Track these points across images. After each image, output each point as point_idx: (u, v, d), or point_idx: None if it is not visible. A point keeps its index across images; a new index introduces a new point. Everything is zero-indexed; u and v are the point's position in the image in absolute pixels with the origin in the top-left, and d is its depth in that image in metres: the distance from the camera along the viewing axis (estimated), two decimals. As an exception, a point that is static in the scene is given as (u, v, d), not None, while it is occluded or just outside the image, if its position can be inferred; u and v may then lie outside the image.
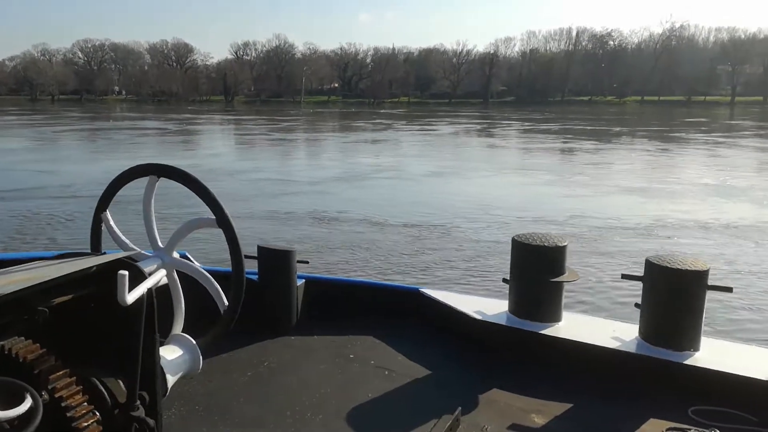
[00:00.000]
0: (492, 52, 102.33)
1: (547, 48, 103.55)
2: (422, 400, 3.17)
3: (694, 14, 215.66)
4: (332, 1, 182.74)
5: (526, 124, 47.28)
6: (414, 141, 34.22)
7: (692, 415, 2.97)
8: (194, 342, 2.48)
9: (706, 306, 3.32)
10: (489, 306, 3.91)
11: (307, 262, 4.21)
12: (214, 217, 2.58)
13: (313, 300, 4.16)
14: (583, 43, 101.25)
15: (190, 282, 2.86)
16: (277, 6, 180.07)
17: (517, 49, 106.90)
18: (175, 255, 2.80)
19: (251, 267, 3.90)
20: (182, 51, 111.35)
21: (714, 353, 3.31)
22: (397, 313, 4.09)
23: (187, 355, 2.46)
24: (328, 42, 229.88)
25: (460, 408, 2.87)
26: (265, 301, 3.92)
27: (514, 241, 3.76)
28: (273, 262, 3.95)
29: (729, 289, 3.61)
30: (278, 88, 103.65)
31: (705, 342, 3.35)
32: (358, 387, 3.23)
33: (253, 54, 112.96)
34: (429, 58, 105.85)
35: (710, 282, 3.31)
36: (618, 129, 41.79)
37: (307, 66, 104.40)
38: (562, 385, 3.27)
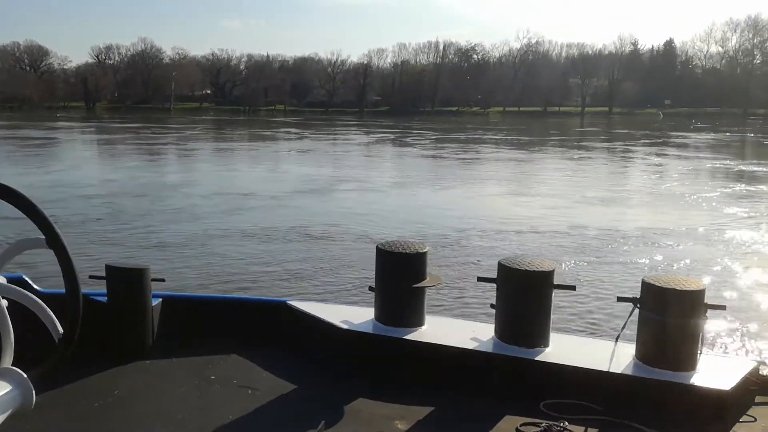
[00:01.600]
0: (365, 62, 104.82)
1: (417, 60, 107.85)
2: (286, 417, 3.11)
3: (548, 31, 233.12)
4: (198, 5, 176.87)
5: (436, 133, 48.62)
6: (343, 151, 33.98)
7: (544, 409, 3.06)
8: (24, 375, 2.18)
9: (553, 303, 3.48)
10: (356, 315, 3.88)
11: (163, 280, 4.00)
12: (43, 237, 2.25)
13: (171, 320, 3.91)
14: (450, 56, 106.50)
15: (27, 308, 2.62)
16: (141, 9, 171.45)
17: (389, 60, 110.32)
18: (1, 279, 2.52)
19: (101, 288, 3.75)
20: (36, 54, 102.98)
21: (562, 348, 3.45)
22: (263, 327, 3.93)
23: (16, 390, 2.13)
24: (199, 47, 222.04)
25: (323, 422, 2.89)
26: (115, 323, 3.69)
27: (378, 249, 3.76)
28: (123, 282, 3.71)
29: (572, 287, 3.84)
30: (145, 93, 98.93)
31: (554, 338, 3.50)
32: (219, 409, 3.10)
33: (117, 58, 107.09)
34: (304, 66, 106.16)
35: (556, 282, 3.45)
36: (528, 138, 43.91)
37: (177, 71, 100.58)
38: (425, 389, 3.32)
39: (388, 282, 3.75)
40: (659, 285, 3.19)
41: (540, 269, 3.41)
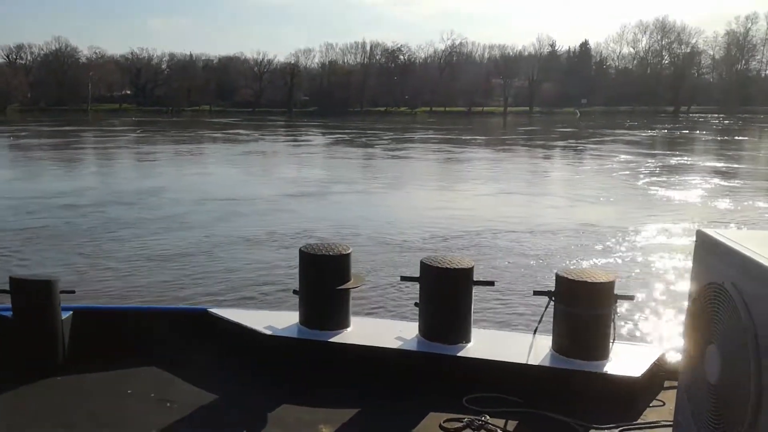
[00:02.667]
0: (293, 62, 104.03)
1: (345, 60, 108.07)
2: (206, 428, 3.02)
3: (471, 32, 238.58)
4: (117, 4, 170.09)
5: (391, 133, 48.72)
6: (309, 153, 33.37)
7: (466, 404, 3.12)
8: None
9: (474, 299, 3.54)
10: (281, 320, 3.80)
11: (74, 292, 3.83)
12: None
13: (83, 333, 3.73)
14: (377, 57, 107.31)
15: None
16: (56, 8, 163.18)
17: (317, 60, 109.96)
18: None
19: (4, 302, 3.60)
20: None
21: (483, 344, 3.53)
22: (184, 337, 3.81)
23: None
24: (118, 47, 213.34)
25: (245, 431, 2.86)
26: (22, 339, 3.51)
27: (300, 252, 3.68)
28: (30, 295, 3.52)
29: (491, 283, 3.89)
30: (60, 95, 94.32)
31: (476, 334, 3.56)
32: (135, 425, 2.98)
33: (29, 58, 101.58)
34: (230, 66, 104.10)
35: (476, 278, 3.51)
36: (469, 137, 44.77)
37: (94, 71, 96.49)
38: (351, 391, 3.31)
39: (311, 285, 3.69)
40: (571, 278, 3.30)
41: (459, 266, 3.46)
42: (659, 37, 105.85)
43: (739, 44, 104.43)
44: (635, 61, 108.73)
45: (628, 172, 23.91)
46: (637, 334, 7.04)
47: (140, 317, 4.06)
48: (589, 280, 3.29)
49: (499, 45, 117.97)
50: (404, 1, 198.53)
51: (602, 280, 3.30)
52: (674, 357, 3.49)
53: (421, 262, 3.60)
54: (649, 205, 16.65)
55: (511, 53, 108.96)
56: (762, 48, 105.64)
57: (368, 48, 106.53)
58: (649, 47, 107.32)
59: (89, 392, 3.35)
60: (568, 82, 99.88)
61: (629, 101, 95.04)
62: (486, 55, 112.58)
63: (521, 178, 23.35)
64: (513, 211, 15.42)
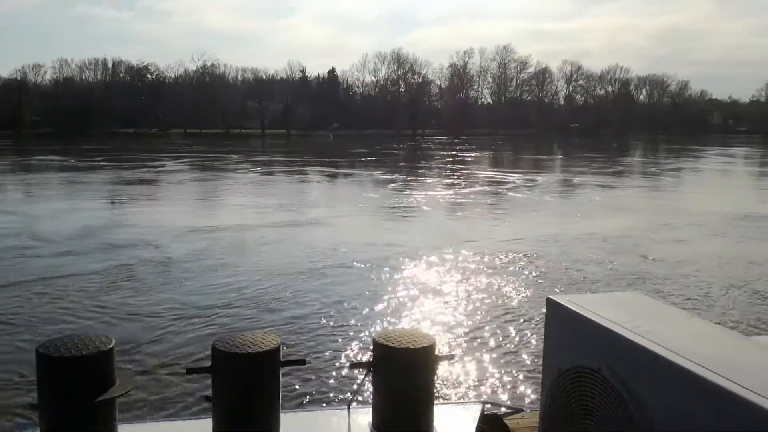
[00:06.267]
0: (19, 78, 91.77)
1: (84, 77, 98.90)
2: None
3: (222, 53, 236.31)
4: None
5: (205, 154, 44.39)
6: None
7: None
8: None
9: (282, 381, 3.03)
10: None
11: None
12: None
13: None
14: (121, 75, 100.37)
15: None
16: None
17: (48, 77, 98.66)
18: None
19: None
20: None
21: (294, 428, 3.17)
22: None
23: None
24: None
25: None
26: None
27: (38, 353, 2.67)
28: None
29: (303, 362, 3.45)
30: None
31: (285, 418, 3.06)
32: None
33: None
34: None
35: (284, 358, 3.01)
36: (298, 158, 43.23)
37: None
38: None
39: (56, 399, 2.69)
40: (391, 345, 2.98)
41: (264, 348, 2.86)
42: (396, 68, 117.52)
43: (460, 75, 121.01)
44: (377, 89, 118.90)
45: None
46: (459, 393, 6.28)
47: None
48: (410, 346, 2.97)
49: (252, 68, 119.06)
50: (148, 17, 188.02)
51: (423, 344, 2.99)
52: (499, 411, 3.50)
53: (213, 347, 2.88)
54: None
55: (264, 77, 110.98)
56: (478, 79, 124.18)
57: (110, 65, 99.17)
58: (388, 76, 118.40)
59: None
60: (319, 106, 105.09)
61: (375, 125, 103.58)
62: (239, 77, 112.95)
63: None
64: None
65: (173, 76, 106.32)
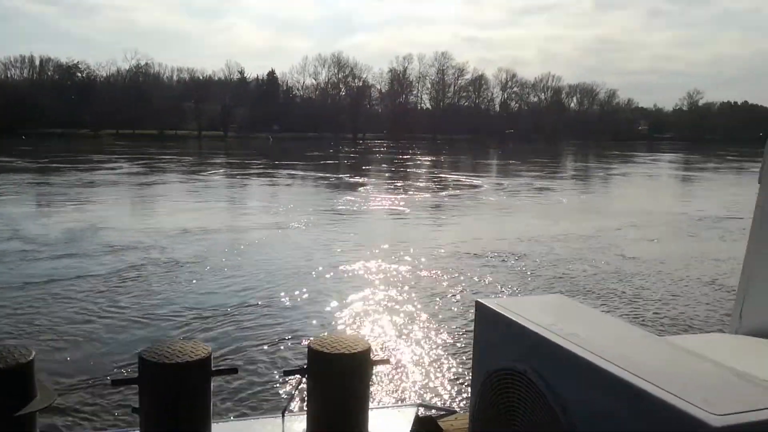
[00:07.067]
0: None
1: (9, 75, 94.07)
2: None
3: (156, 52, 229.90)
4: None
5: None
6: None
7: None
8: None
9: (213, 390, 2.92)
10: None
11: None
12: None
13: None
14: (50, 73, 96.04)
15: None
16: None
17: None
18: None
19: None
20: None
21: None
22: None
23: None
24: None
25: None
26: None
27: None
28: None
29: (234, 371, 3.33)
30: None
31: (216, 428, 3.00)
32: None
33: None
34: None
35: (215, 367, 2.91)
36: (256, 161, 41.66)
37: None
38: None
39: None
40: (326, 351, 2.95)
41: (195, 358, 2.77)
42: (336, 71, 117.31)
43: (399, 80, 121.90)
44: (317, 92, 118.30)
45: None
46: (394, 396, 6.30)
47: None
48: (346, 351, 2.96)
49: (188, 68, 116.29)
50: (76, 14, 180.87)
51: (358, 349, 2.99)
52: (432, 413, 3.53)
53: (140, 357, 2.78)
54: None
55: (201, 77, 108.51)
56: (417, 84, 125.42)
57: (38, 62, 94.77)
58: (329, 79, 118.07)
59: None
60: (258, 108, 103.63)
61: (316, 128, 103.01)
62: (175, 77, 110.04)
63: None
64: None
65: (105, 75, 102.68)
